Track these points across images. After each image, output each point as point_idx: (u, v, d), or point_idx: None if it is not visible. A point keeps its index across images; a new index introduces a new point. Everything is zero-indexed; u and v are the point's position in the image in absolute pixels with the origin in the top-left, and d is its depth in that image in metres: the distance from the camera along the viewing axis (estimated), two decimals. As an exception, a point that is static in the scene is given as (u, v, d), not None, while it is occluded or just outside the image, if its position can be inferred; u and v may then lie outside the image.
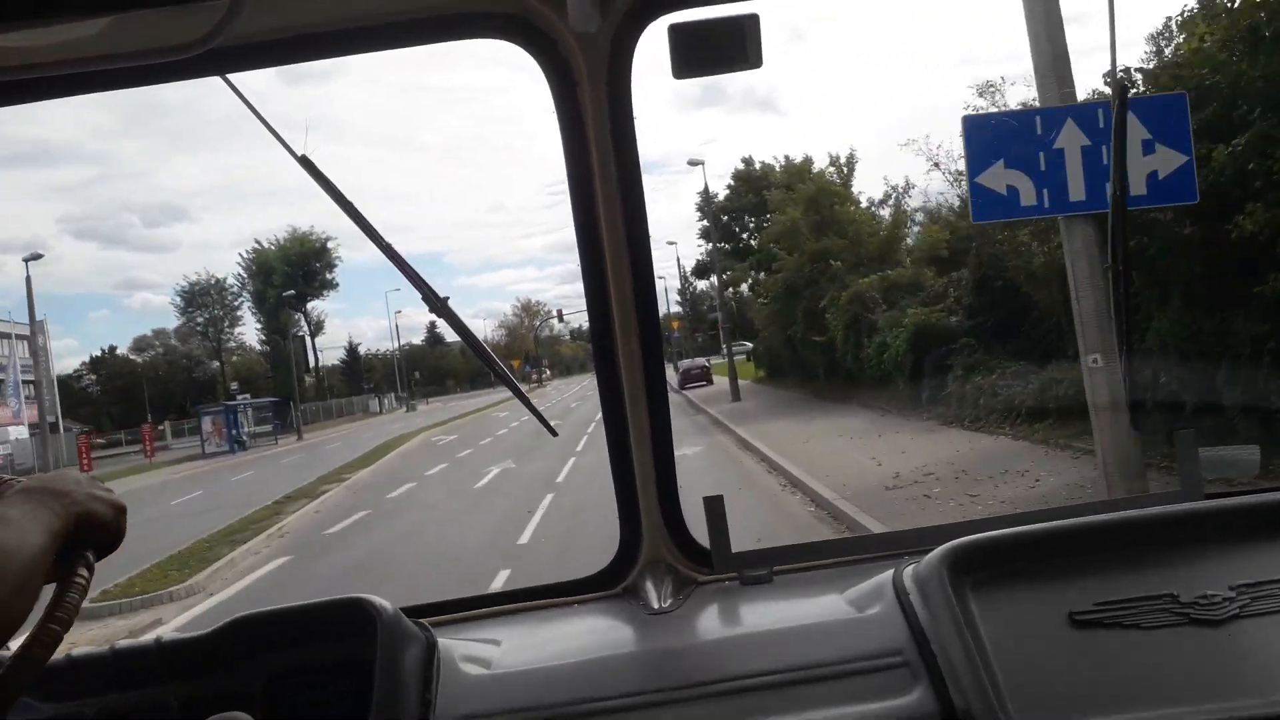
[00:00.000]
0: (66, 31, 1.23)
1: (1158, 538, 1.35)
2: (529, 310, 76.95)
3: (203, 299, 57.29)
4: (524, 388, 1.74)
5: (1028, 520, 1.45)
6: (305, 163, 1.45)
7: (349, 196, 1.48)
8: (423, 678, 1.30)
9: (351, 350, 67.97)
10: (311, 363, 56.20)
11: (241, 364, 58.19)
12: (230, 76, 1.46)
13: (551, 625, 1.60)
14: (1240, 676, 1.19)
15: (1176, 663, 1.21)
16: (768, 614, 1.53)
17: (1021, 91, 15.93)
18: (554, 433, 1.86)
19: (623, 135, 1.54)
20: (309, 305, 58.14)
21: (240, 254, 64.91)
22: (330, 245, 57.80)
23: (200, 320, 57.23)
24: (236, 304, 58.12)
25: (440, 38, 1.54)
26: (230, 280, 57.46)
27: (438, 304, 1.54)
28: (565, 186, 1.57)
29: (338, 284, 60.14)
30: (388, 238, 1.49)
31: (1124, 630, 1.25)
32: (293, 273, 55.16)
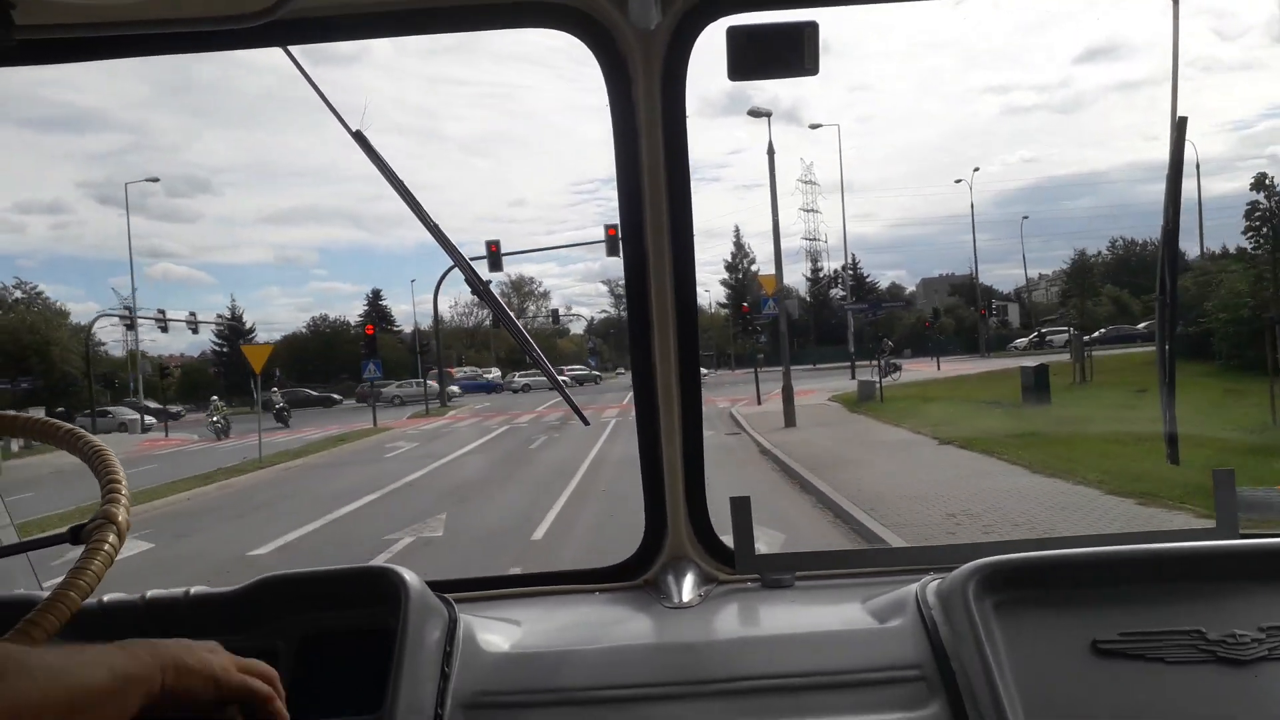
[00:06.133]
0: None
1: (1189, 573, 1.33)
2: (518, 288, 61.76)
3: None
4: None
5: (1057, 545, 1.43)
6: (360, 138, 1.47)
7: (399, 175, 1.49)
8: (443, 651, 1.32)
9: (235, 318, 43.22)
10: None
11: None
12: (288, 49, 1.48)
13: (572, 610, 1.61)
14: (1263, 718, 1.17)
15: (1198, 699, 1.19)
16: (788, 618, 1.53)
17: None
18: (586, 421, 1.87)
19: (674, 133, 1.54)
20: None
21: None
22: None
23: None
24: None
25: (498, 24, 1.55)
26: None
27: (480, 286, 1.56)
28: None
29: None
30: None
31: (1147, 663, 1.23)
32: None
